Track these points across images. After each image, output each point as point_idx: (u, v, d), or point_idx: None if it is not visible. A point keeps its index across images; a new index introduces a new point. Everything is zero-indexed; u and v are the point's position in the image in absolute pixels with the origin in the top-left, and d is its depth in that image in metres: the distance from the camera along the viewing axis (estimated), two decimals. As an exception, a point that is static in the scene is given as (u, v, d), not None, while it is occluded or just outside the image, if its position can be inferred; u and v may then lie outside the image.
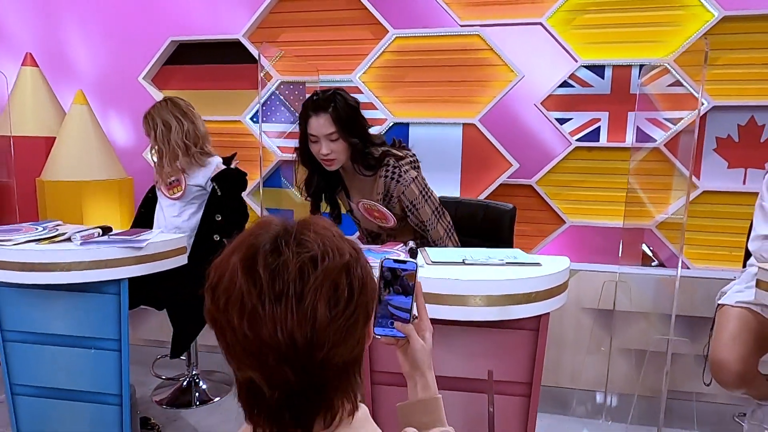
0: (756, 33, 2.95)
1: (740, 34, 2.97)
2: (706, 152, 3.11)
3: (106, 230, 2.10)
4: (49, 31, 4.04)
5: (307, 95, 3.47)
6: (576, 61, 3.12)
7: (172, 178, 2.82)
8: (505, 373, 1.58)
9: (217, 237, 2.76)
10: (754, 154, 3.03)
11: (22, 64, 3.58)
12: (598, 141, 3.21)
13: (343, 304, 0.74)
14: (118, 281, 1.98)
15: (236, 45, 3.57)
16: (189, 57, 3.76)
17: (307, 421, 0.76)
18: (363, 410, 0.84)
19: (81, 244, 1.94)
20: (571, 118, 3.23)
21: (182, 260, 2.22)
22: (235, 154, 2.95)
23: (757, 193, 2.25)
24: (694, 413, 2.70)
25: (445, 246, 2.26)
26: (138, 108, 2.85)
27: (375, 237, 2.52)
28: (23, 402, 2.14)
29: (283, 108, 3.60)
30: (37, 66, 3.62)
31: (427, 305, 1.51)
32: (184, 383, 3.02)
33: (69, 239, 2.01)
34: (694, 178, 3.09)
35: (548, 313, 1.55)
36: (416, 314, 1.08)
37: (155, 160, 2.86)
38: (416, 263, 1.06)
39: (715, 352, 2.11)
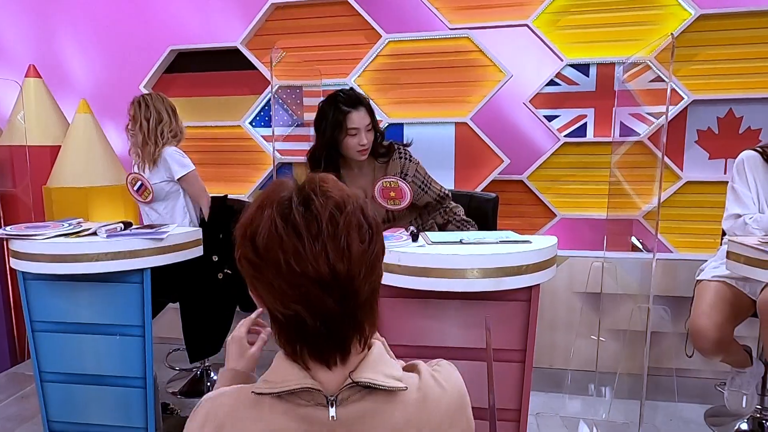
0: (731, 30, 3.08)
1: (716, 31, 3.10)
2: (688, 144, 3.22)
3: (127, 225, 2.24)
4: (49, 44, 4.12)
5: (305, 99, 3.60)
6: (562, 60, 3.24)
7: (138, 184, 2.90)
8: (501, 341, 1.72)
9: (220, 275, 2.88)
10: (733, 145, 3.11)
11: (25, 76, 3.64)
12: (585, 136, 3.32)
13: (368, 239, 0.86)
14: (141, 271, 2.12)
15: (234, 52, 3.64)
16: (188, 65, 3.83)
17: (345, 344, 0.88)
18: (378, 344, 0.96)
19: (107, 237, 2.08)
20: (558, 115, 3.34)
21: (198, 251, 2.35)
22: (226, 196, 3.04)
23: None
24: (675, 386, 2.84)
25: (459, 210, 2.56)
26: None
27: None
28: (52, 389, 2.26)
29: (281, 111, 3.69)
30: (41, 77, 3.69)
31: (428, 279, 1.65)
32: (197, 374, 3.15)
33: (95, 233, 2.14)
34: (677, 170, 3.22)
35: (538, 285, 1.69)
36: None
37: (138, 140, 2.91)
38: None
39: (694, 321, 2.28)
